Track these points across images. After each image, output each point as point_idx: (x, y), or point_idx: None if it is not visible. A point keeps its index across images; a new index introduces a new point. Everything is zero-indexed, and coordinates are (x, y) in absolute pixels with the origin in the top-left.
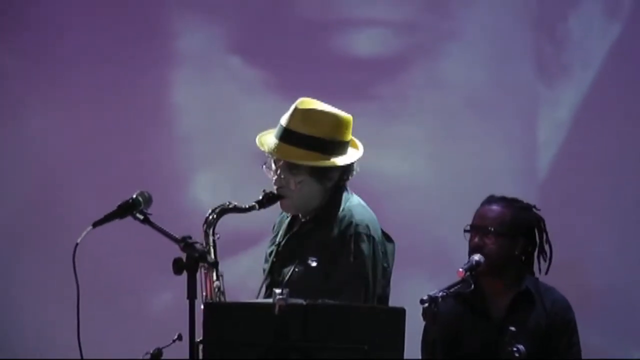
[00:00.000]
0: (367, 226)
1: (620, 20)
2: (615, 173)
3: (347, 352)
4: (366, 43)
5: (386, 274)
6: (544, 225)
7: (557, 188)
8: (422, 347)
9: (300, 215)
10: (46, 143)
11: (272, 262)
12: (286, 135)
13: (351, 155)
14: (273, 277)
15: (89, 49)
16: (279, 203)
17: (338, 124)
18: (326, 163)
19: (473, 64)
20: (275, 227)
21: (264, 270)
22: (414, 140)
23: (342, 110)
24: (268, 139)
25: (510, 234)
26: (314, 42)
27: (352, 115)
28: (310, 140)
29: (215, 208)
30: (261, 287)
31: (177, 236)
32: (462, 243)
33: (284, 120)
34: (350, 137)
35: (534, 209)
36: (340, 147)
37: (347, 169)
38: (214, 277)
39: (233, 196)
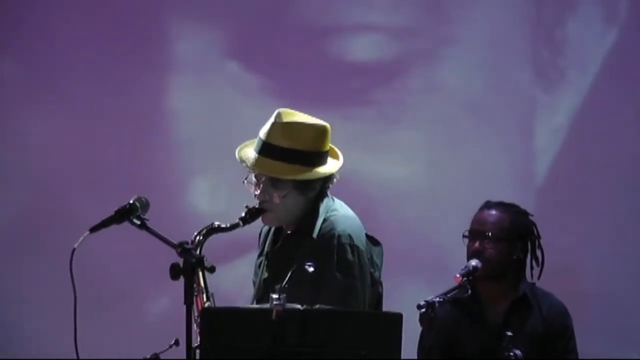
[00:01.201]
0: (350, 236)
1: (617, 25)
2: (612, 178)
3: (345, 357)
4: (364, 48)
5: (375, 282)
6: (537, 230)
7: (555, 193)
8: (418, 352)
9: (284, 227)
10: (44, 148)
11: (262, 277)
12: (267, 150)
13: (332, 165)
14: (265, 290)
15: (86, 55)
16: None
17: (318, 134)
18: (309, 175)
19: (471, 69)
20: (261, 239)
21: (253, 283)
22: (412, 146)
23: (340, 116)
24: (248, 153)
25: (510, 238)
26: (312, 47)
27: (351, 121)
28: (292, 153)
29: (202, 230)
30: (253, 300)
31: (174, 242)
32: (460, 248)
33: (263, 133)
34: (329, 146)
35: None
36: (321, 157)
37: (329, 177)
38: (204, 299)
39: (230, 202)
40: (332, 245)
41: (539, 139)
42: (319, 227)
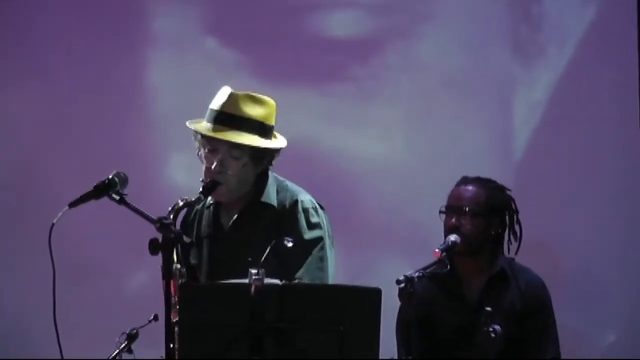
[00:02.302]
0: (311, 200)
1: (595, 0)
2: (590, 153)
3: (323, 332)
4: (342, 24)
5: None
6: (515, 205)
7: (532, 169)
8: (397, 327)
9: (225, 205)
10: (22, 124)
11: (213, 256)
12: (225, 119)
13: (281, 140)
14: (218, 269)
15: (64, 30)
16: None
17: (270, 108)
18: (270, 144)
19: (449, 45)
20: (189, 223)
21: (189, 267)
22: (390, 122)
23: (317, 91)
24: (201, 126)
25: (486, 214)
26: (290, 23)
27: (328, 97)
28: (251, 122)
29: (174, 205)
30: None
31: (153, 217)
32: (437, 224)
33: (217, 105)
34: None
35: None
36: (272, 131)
37: (277, 152)
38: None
39: None
40: (297, 211)
41: (516, 115)
42: (274, 196)
